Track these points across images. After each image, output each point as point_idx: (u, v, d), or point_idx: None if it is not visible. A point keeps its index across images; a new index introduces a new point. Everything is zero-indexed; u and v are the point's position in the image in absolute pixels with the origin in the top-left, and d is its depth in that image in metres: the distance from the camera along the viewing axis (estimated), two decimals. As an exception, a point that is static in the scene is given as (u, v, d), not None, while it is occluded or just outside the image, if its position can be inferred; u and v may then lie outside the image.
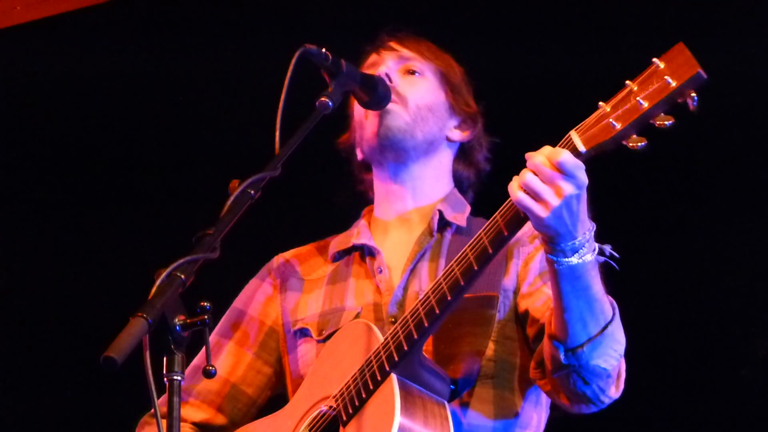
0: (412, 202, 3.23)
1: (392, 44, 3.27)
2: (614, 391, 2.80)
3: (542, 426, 3.07)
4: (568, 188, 2.53)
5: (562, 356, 2.70)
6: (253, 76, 4.45)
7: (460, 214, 3.20)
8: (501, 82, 4.09)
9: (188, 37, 4.91)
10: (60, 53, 5.04)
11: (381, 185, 3.27)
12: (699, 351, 4.15)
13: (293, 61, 2.81)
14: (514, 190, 2.58)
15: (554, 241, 2.61)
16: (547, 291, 2.93)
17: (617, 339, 2.73)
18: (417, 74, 3.24)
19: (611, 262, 2.68)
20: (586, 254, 2.61)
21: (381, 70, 3.19)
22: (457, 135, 3.27)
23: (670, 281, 4.15)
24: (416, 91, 3.21)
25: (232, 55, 4.79)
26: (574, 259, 2.61)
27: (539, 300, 2.95)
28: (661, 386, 4.11)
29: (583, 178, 2.54)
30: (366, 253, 3.20)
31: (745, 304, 4.14)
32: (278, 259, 3.34)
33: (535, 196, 2.55)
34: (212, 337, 3.29)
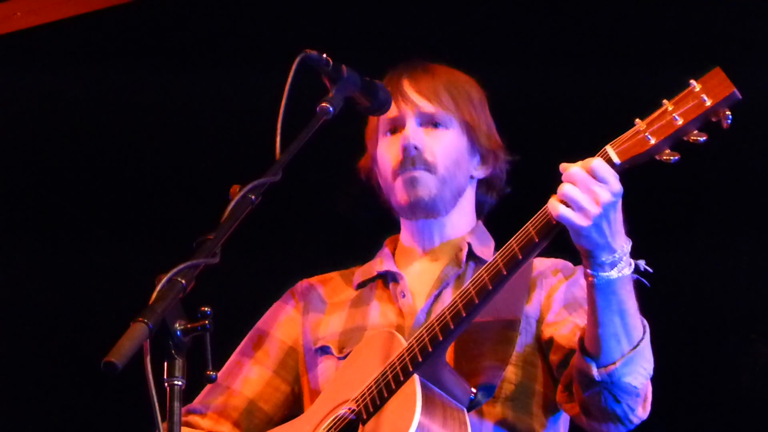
0: (439, 239, 3.26)
1: (408, 90, 3.23)
2: (642, 411, 2.82)
3: None
4: (605, 195, 2.57)
5: (595, 373, 2.72)
6: (254, 81, 4.45)
7: (486, 248, 3.24)
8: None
9: (191, 41, 4.91)
10: (61, 59, 5.04)
11: (408, 229, 3.29)
12: (699, 357, 4.15)
13: (294, 66, 2.81)
14: (555, 205, 2.61)
15: (593, 254, 2.63)
16: (574, 320, 2.97)
17: (647, 357, 2.76)
18: (440, 126, 3.22)
19: (642, 279, 2.70)
20: (624, 268, 2.64)
21: (406, 133, 3.17)
22: (481, 172, 3.29)
23: (671, 287, 4.15)
24: (442, 150, 3.19)
25: (233, 60, 4.79)
26: (613, 273, 2.64)
27: (565, 328, 2.98)
28: (662, 392, 4.11)
29: (618, 186, 2.59)
30: (390, 279, 3.24)
31: (745, 310, 4.14)
32: (302, 284, 3.39)
33: (575, 207, 2.58)
34: (234, 356, 3.36)
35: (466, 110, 3.25)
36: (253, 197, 2.54)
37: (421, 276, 3.22)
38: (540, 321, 3.06)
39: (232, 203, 2.51)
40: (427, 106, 3.22)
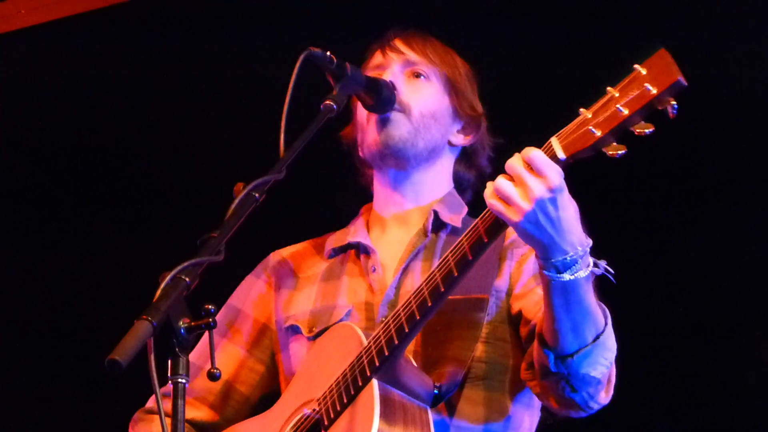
0: (411, 204, 3.20)
1: (398, 44, 3.22)
2: (604, 397, 2.77)
3: (533, 429, 3.04)
4: (538, 190, 2.47)
5: (551, 364, 2.67)
6: (257, 79, 4.45)
7: (456, 215, 3.17)
8: (506, 81, 4.07)
9: (194, 39, 4.91)
10: (65, 57, 5.05)
11: (381, 188, 3.25)
12: (703, 355, 4.15)
13: (298, 63, 2.80)
14: (488, 195, 2.54)
15: (544, 254, 2.55)
16: (540, 292, 2.84)
17: (608, 347, 2.69)
18: (422, 77, 3.20)
19: (608, 275, 2.62)
20: (579, 271, 2.55)
21: (386, 76, 3.15)
22: (460, 139, 3.24)
23: (673, 285, 4.15)
24: (420, 97, 3.17)
25: (236, 58, 4.79)
26: (566, 276, 2.55)
27: (532, 300, 2.92)
28: (665, 391, 4.11)
29: (557, 180, 2.48)
30: (361, 251, 3.19)
31: (749, 308, 4.14)
32: (274, 257, 3.33)
33: (507, 201, 2.51)
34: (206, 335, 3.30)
35: (450, 72, 3.22)
36: (256, 195, 2.54)
37: (392, 247, 3.15)
38: (509, 293, 3.00)
39: (236, 201, 2.51)
40: (411, 55, 3.20)
